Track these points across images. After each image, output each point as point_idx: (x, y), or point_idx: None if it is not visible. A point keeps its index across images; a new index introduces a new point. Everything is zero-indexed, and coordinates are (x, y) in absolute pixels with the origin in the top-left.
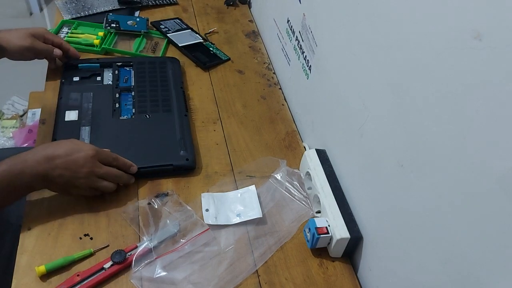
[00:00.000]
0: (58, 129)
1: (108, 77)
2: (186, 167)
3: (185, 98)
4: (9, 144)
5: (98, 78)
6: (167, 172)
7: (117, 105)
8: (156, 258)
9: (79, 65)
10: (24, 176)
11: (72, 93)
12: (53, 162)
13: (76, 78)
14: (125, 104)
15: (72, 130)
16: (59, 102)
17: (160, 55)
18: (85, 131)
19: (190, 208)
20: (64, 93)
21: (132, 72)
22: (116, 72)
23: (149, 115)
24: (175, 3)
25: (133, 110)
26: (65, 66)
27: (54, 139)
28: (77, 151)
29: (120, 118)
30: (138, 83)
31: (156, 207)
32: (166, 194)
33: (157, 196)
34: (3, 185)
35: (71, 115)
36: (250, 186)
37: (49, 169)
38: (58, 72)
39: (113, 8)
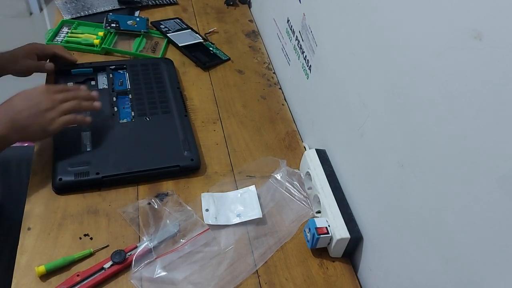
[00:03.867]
0: (58, 135)
1: (102, 81)
2: (192, 168)
3: (183, 98)
4: None
5: (93, 83)
6: (172, 173)
7: (115, 108)
8: (156, 258)
9: (72, 70)
10: None
11: None
12: (16, 108)
13: (70, 84)
14: (123, 107)
15: (73, 136)
16: None
17: (160, 55)
18: (86, 136)
19: (190, 208)
20: None
21: (127, 75)
22: (110, 75)
23: (149, 118)
24: (175, 3)
25: (132, 113)
26: (57, 72)
27: (55, 147)
28: (31, 92)
29: (120, 121)
30: (133, 85)
31: (156, 207)
32: (166, 194)
33: (157, 196)
34: None
35: None
36: (250, 186)
37: (14, 115)
38: None
39: (113, 8)
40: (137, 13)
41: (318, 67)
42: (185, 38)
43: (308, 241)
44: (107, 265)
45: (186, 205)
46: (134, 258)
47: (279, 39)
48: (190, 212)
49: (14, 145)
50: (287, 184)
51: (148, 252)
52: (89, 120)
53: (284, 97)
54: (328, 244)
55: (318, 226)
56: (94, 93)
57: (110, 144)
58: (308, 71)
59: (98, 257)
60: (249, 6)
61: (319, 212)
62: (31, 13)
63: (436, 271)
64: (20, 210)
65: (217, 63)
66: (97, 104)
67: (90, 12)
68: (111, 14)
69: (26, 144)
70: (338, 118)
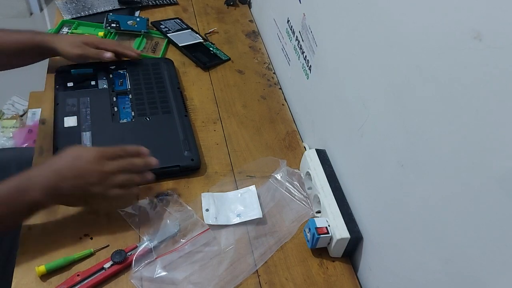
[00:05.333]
0: (58, 135)
1: (102, 81)
2: (192, 168)
3: (183, 98)
4: (9, 144)
5: (93, 83)
6: (172, 173)
7: (115, 108)
8: (156, 258)
9: (71, 70)
10: (32, 193)
11: (68, 99)
12: (61, 173)
13: (70, 84)
14: (123, 108)
15: (73, 136)
16: (56, 108)
17: (160, 55)
18: (86, 136)
19: (190, 208)
20: (59, 99)
21: (127, 75)
22: (111, 75)
23: (149, 118)
24: (175, 3)
25: (132, 113)
26: (57, 72)
27: (55, 147)
28: (80, 158)
29: (120, 121)
30: (134, 85)
31: (156, 207)
32: (166, 194)
33: (157, 196)
34: (10, 203)
35: (70, 121)
36: (250, 186)
37: (58, 182)
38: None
39: (113, 8)
40: (137, 13)
41: (318, 67)
42: (185, 38)
43: (308, 241)
44: (107, 265)
45: (186, 205)
46: (134, 258)
47: (279, 39)
48: (190, 212)
49: (13, 146)
50: (287, 184)
51: (148, 252)
52: (136, 192)
53: (284, 97)
54: (328, 244)
55: (318, 226)
56: (153, 160)
57: (110, 144)
58: (308, 71)
59: (99, 257)
60: (249, 6)
61: (319, 212)
62: (31, 13)
63: (436, 271)
64: None
65: (217, 63)
66: (149, 176)
67: (90, 12)
68: (111, 14)
69: (26, 145)
70: (338, 118)
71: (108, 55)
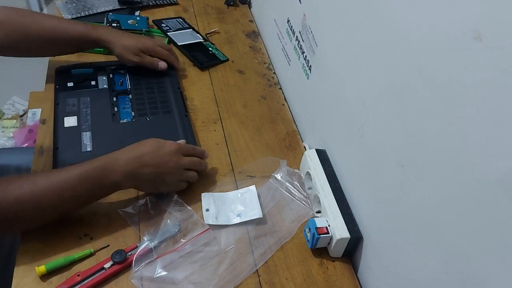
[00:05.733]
0: (58, 135)
1: (102, 81)
2: None
3: (184, 98)
4: (9, 144)
5: (93, 83)
6: None
7: (115, 108)
8: (156, 258)
9: (72, 70)
10: (115, 174)
11: (68, 99)
12: (142, 160)
13: (70, 84)
14: (124, 108)
15: (73, 136)
16: (56, 108)
17: None
18: (87, 136)
19: (190, 208)
20: (60, 99)
21: (127, 74)
22: (111, 75)
23: (149, 118)
24: (176, 3)
25: (133, 113)
26: (57, 72)
27: (55, 147)
28: (162, 148)
29: (120, 121)
30: (134, 85)
31: (156, 207)
32: (166, 194)
33: (157, 196)
34: (94, 180)
35: (70, 121)
36: (250, 186)
37: (139, 168)
38: None
39: (113, 8)
40: (137, 13)
41: (318, 67)
42: (185, 38)
43: (308, 241)
44: (107, 265)
45: (186, 205)
46: (134, 258)
47: (279, 39)
48: (190, 212)
49: (13, 146)
50: (287, 184)
51: (148, 252)
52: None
53: (284, 97)
54: (328, 244)
55: (318, 226)
56: (207, 165)
57: (110, 144)
58: (308, 71)
59: (99, 257)
60: (249, 7)
61: (319, 212)
62: None
63: (436, 271)
64: None
65: (215, 64)
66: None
67: (91, 12)
68: (111, 14)
69: (26, 145)
70: (338, 118)
71: (163, 65)
